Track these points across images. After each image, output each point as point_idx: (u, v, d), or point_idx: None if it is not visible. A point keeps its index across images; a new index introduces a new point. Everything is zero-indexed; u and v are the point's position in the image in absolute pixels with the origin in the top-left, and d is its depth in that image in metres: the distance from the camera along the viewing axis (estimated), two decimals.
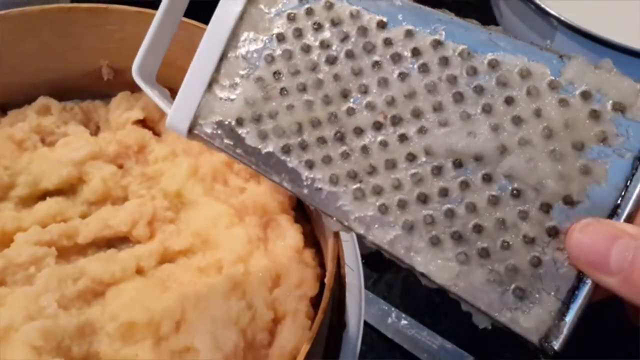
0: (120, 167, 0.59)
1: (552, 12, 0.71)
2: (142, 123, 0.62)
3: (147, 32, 0.41)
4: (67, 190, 0.58)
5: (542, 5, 0.72)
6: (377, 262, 0.70)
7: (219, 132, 0.38)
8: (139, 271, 0.53)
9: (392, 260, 0.36)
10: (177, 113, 0.39)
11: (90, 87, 0.65)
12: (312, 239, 0.55)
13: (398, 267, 0.37)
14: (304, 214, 0.57)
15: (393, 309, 0.67)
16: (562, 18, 0.70)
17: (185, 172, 0.57)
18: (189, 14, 0.44)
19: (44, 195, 0.57)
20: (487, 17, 0.84)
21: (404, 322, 0.67)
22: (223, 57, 0.39)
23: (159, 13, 0.40)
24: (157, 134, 0.62)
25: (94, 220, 0.55)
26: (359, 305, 0.52)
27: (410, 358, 0.65)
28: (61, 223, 0.55)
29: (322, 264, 0.53)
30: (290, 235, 0.53)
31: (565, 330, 0.32)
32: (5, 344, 0.45)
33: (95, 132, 0.62)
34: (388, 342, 0.66)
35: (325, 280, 0.45)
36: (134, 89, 0.64)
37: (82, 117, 0.63)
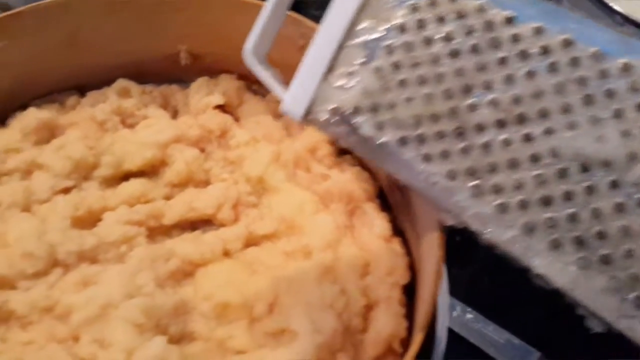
0: (202, 151, 0.59)
1: (618, 9, 0.71)
2: (221, 108, 0.62)
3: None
4: (148, 172, 0.58)
5: (609, 3, 0.72)
6: None
7: (334, 119, 0.39)
8: (226, 254, 0.53)
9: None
10: (294, 98, 0.40)
11: (166, 72, 0.65)
12: (395, 228, 0.56)
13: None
14: (385, 202, 0.57)
15: (458, 302, 0.68)
16: (628, 15, 0.70)
17: (268, 158, 0.57)
18: None
19: (125, 177, 0.57)
20: None
21: (469, 315, 0.67)
22: (341, 45, 0.39)
23: None
24: (235, 119, 0.62)
25: (178, 202, 0.56)
26: (445, 306, 0.52)
27: (477, 351, 0.65)
28: (146, 204, 0.55)
29: (409, 253, 0.53)
30: (377, 223, 0.54)
31: None
32: (104, 321, 0.46)
33: (173, 116, 0.63)
34: (453, 334, 0.66)
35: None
36: (212, 74, 0.64)
37: (161, 100, 0.63)
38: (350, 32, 0.38)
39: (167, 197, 0.57)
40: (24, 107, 0.60)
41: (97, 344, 0.45)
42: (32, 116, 0.58)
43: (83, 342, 0.45)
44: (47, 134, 0.58)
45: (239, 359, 0.47)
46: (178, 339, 0.47)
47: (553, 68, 0.35)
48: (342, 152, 0.60)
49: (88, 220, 0.53)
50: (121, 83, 0.62)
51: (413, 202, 0.51)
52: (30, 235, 0.49)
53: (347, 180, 0.55)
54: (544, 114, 0.34)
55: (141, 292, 0.47)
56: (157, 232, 0.55)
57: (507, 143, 0.35)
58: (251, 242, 0.54)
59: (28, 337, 0.46)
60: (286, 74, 0.61)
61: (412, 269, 0.52)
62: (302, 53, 0.40)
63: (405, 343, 0.48)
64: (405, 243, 0.54)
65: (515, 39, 0.35)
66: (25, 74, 0.60)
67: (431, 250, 0.46)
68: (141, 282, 0.48)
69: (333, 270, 0.50)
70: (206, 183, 0.58)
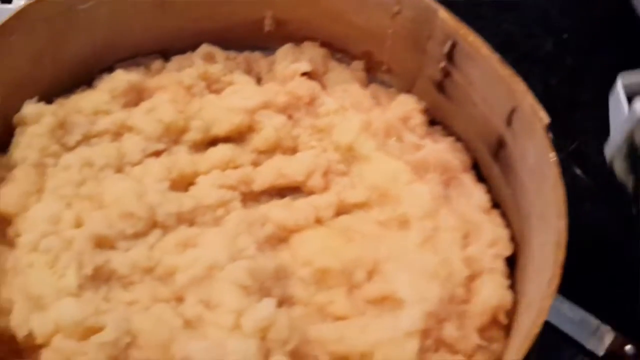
0: (289, 118, 0.58)
1: None
2: (307, 76, 0.61)
3: None
4: (235, 138, 0.57)
5: None
6: None
7: None
8: (317, 221, 0.52)
9: None
10: None
11: (248, 39, 0.64)
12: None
13: None
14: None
15: None
16: None
17: (358, 126, 0.56)
18: None
19: (212, 142, 0.57)
20: (623, 7, 0.81)
21: None
22: None
23: None
24: (321, 87, 0.61)
25: (267, 168, 0.55)
26: None
27: (552, 328, 0.64)
28: (236, 170, 0.54)
29: (507, 225, 0.52)
30: (476, 194, 0.53)
31: None
32: (209, 282, 0.45)
33: (257, 83, 0.62)
34: None
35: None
36: (294, 41, 0.63)
37: (245, 67, 0.62)
38: None
39: (254, 164, 0.56)
40: (109, 69, 0.60)
41: (202, 305, 0.44)
42: (121, 78, 0.57)
43: (188, 303, 0.45)
44: (135, 96, 0.57)
45: (341, 326, 0.46)
46: (280, 303, 0.46)
47: None
48: (432, 123, 0.59)
49: (180, 184, 0.53)
50: (206, 48, 0.61)
51: (521, 177, 0.50)
52: (129, 195, 0.48)
53: (443, 150, 0.54)
54: None
55: (243, 254, 0.47)
56: (247, 198, 0.54)
57: None
58: (342, 210, 0.53)
59: (131, 297, 0.45)
60: (371, 42, 0.60)
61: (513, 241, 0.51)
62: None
63: (510, 315, 0.47)
64: (502, 216, 0.53)
65: None
66: (111, 35, 0.59)
67: (544, 235, 0.45)
68: (242, 245, 0.47)
69: (433, 239, 0.49)
70: (293, 150, 0.57)
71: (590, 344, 0.56)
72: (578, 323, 0.65)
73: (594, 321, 0.64)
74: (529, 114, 0.47)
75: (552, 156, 0.45)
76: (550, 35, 0.79)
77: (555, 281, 0.40)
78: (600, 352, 0.55)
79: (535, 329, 0.39)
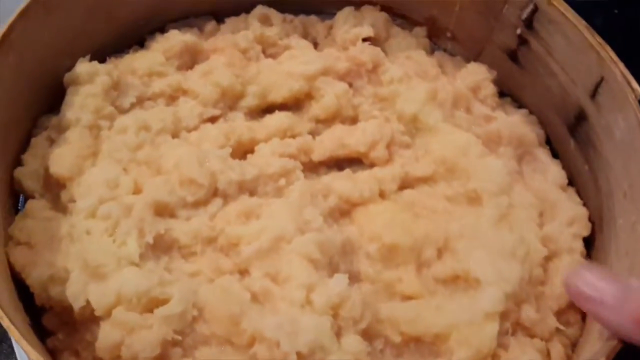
0: (350, 86, 0.55)
1: None
2: (368, 41, 0.57)
3: None
4: (291, 105, 0.54)
5: None
6: None
7: None
8: (381, 194, 0.50)
9: None
10: None
11: (302, 1, 0.61)
12: None
13: None
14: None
15: None
16: None
17: (423, 96, 0.53)
18: None
19: (268, 109, 0.54)
20: None
21: None
22: None
23: None
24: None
25: (327, 138, 0.52)
26: None
27: None
28: (295, 138, 0.52)
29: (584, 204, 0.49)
30: (552, 170, 0.50)
31: None
32: (277, 255, 0.43)
33: (315, 48, 0.58)
34: None
35: None
36: (355, 4, 0.60)
37: (302, 30, 0.59)
38: None
39: (312, 133, 0.53)
40: (160, 30, 0.57)
41: (269, 279, 0.42)
42: (176, 39, 0.54)
43: (254, 276, 0.42)
44: (189, 59, 0.55)
45: (414, 305, 0.43)
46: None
47: None
48: (501, 94, 0.56)
49: (238, 151, 0.50)
50: (261, 10, 0.58)
51: (603, 152, 0.47)
52: (190, 161, 0.46)
53: (517, 122, 0.51)
54: None
55: (310, 227, 0.44)
56: (305, 168, 0.51)
57: None
58: (406, 184, 0.51)
59: (193, 268, 0.43)
60: (436, 6, 0.57)
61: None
62: None
63: None
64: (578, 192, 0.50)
65: None
66: None
67: (633, 214, 0.42)
68: (309, 217, 0.45)
69: (508, 217, 0.47)
70: (353, 120, 0.54)
71: None
72: None
73: None
74: (620, 85, 0.44)
75: None
76: None
77: None
78: None
79: None
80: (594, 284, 0.37)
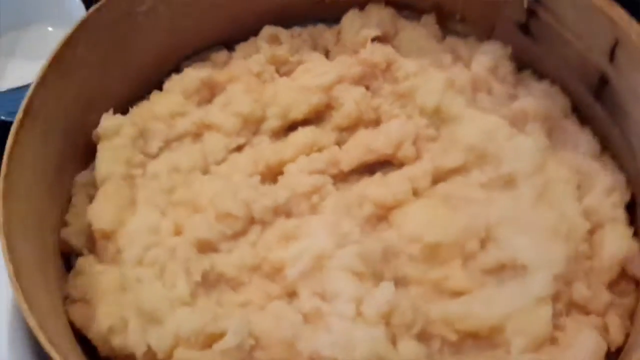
0: (367, 88, 0.55)
1: None
2: (378, 40, 0.57)
3: None
4: (313, 118, 0.55)
5: None
6: None
7: None
8: (415, 193, 0.50)
9: None
10: None
11: (308, 11, 0.61)
12: None
13: None
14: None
15: None
16: None
17: (442, 85, 0.52)
18: None
19: (291, 127, 0.55)
20: None
21: None
22: None
23: None
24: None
25: (353, 145, 0.53)
26: None
27: None
28: (320, 152, 0.52)
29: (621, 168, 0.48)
30: (582, 140, 0.49)
31: None
32: (321, 273, 0.44)
33: (326, 56, 0.59)
34: None
35: None
36: (361, 5, 0.60)
37: (311, 42, 0.59)
38: None
39: (338, 143, 0.54)
40: (176, 70, 0.58)
41: (318, 297, 0.43)
42: (191, 76, 0.55)
43: (303, 297, 0.43)
44: (208, 93, 0.56)
45: (464, 301, 0.44)
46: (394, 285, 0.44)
47: None
48: (519, 69, 0.55)
49: (268, 175, 0.51)
50: (269, 30, 0.59)
51: (630, 112, 0.45)
52: (223, 195, 0.47)
53: (540, 96, 0.51)
54: None
55: (349, 239, 0.45)
56: (336, 179, 0.52)
57: None
58: (438, 178, 0.51)
59: (243, 298, 0.45)
60: None
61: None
62: None
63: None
64: (613, 158, 0.49)
65: None
66: (172, 33, 0.57)
67: None
68: (346, 230, 0.45)
69: (546, 195, 0.46)
70: (376, 122, 0.54)
71: None
72: None
73: None
74: (635, 44, 0.43)
75: None
76: None
77: None
78: None
79: None
80: None
